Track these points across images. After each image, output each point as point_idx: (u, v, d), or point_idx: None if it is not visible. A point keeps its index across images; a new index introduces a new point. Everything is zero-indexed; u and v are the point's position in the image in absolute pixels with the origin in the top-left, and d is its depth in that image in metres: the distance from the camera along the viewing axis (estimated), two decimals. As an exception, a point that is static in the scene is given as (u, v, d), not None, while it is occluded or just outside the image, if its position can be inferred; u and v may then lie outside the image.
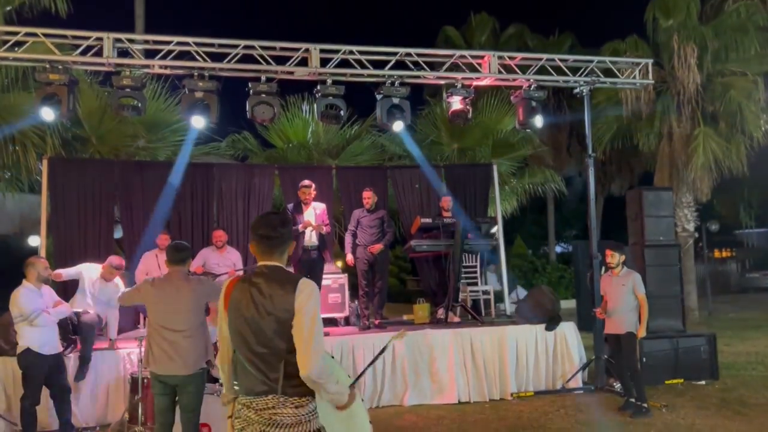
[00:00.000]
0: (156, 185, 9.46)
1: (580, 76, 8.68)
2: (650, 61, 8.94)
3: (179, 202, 9.53)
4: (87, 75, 10.06)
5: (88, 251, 8.95)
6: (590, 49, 16.60)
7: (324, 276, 8.94)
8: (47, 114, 7.28)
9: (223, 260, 8.73)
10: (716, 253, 32.93)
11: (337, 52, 7.86)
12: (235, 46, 7.60)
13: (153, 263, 8.48)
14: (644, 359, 8.32)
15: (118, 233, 10.02)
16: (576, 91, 8.89)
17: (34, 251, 8.54)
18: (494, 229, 9.40)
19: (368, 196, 8.71)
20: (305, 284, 2.66)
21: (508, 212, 15.27)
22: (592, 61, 8.70)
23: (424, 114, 14.04)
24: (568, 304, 16.85)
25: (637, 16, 16.42)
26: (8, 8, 10.08)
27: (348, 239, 8.67)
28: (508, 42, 21.66)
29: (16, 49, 7.21)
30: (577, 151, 21.67)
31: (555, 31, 22.10)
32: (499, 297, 10.63)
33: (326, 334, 7.98)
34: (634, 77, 8.90)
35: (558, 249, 31.71)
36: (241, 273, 9.03)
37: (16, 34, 7.16)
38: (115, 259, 7.19)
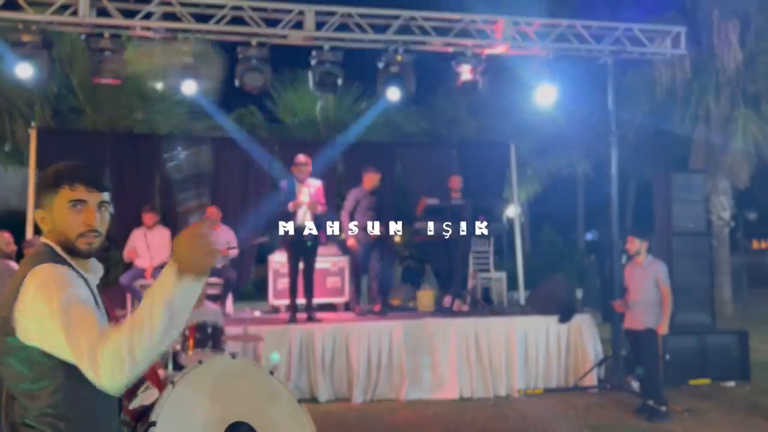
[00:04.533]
0: (150, 160, 9.00)
1: (604, 44, 7.90)
2: (683, 29, 8.09)
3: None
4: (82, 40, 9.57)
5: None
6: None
7: (322, 258, 8.39)
8: (24, 70, 6.80)
9: (216, 238, 8.23)
10: (754, 244, 31.54)
11: (333, 14, 7.22)
12: (223, 6, 7.01)
13: (141, 241, 8.13)
14: (668, 357, 7.61)
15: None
16: (601, 61, 8.12)
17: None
18: (508, 212, 8.71)
19: (376, 179, 8.09)
20: (29, 285, 1.65)
21: (531, 195, 14.49)
22: (617, 29, 7.90)
23: (442, 90, 13.30)
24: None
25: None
26: None
27: (345, 220, 8.06)
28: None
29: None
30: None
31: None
32: (512, 284, 9.91)
33: (319, 321, 7.43)
34: (665, 47, 8.08)
35: (590, 236, 30.66)
36: (234, 252, 8.59)
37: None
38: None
